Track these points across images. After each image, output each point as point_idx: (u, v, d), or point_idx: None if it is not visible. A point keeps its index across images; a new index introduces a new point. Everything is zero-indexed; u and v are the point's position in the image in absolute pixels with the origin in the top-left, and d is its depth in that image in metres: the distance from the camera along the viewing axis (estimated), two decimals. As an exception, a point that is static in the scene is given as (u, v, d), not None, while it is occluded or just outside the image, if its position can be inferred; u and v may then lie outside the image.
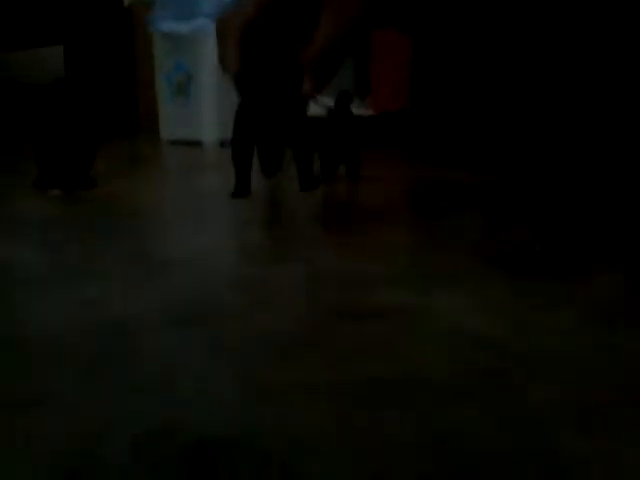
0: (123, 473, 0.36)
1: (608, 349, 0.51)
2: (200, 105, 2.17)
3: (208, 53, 2.12)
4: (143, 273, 0.72)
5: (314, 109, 1.06)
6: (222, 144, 2.13)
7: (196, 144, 2.16)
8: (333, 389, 0.44)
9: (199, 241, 0.87)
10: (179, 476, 0.35)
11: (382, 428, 0.38)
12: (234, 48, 0.73)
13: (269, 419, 0.41)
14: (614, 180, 1.26)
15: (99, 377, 0.47)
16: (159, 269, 0.73)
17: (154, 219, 1.08)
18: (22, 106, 2.07)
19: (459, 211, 1.07)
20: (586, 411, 0.41)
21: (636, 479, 0.34)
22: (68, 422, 0.41)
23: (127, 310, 0.60)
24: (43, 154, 1.23)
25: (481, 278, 0.69)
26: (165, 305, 0.61)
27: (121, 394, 0.44)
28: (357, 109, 1.51)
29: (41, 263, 0.76)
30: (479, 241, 0.86)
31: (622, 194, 1.18)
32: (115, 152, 1.93)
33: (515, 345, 0.51)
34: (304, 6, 0.83)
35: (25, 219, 1.02)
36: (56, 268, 0.74)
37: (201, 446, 0.37)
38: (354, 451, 0.36)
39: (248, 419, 0.41)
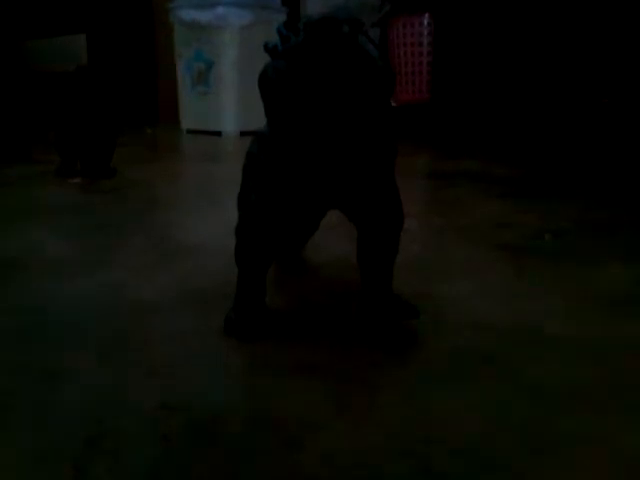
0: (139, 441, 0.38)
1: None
2: (219, 95, 2.17)
3: (228, 42, 2.14)
4: (158, 259, 0.73)
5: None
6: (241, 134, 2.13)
7: (215, 134, 2.17)
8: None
9: (214, 228, 0.88)
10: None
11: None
12: None
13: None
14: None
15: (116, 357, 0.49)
16: (174, 255, 0.74)
17: (171, 207, 1.09)
18: (44, 94, 2.09)
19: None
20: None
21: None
22: (87, 394, 0.43)
23: (142, 294, 0.61)
24: (65, 142, 1.25)
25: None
26: (179, 290, 0.63)
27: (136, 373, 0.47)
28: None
29: (60, 250, 0.78)
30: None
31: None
32: (135, 141, 1.95)
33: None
34: None
35: (46, 207, 1.04)
36: (74, 255, 0.76)
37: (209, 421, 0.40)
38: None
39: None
